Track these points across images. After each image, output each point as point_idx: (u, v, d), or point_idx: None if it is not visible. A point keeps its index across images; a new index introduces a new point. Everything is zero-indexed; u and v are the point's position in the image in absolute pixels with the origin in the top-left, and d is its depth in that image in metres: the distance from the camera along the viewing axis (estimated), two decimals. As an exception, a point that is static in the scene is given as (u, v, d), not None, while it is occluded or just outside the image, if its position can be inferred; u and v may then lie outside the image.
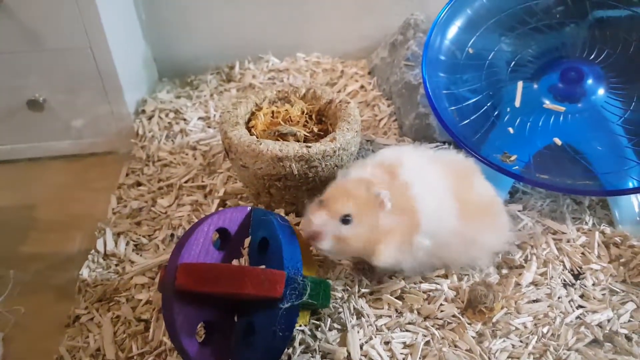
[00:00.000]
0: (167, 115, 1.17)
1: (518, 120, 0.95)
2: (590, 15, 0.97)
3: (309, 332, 0.74)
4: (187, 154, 1.07)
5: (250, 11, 1.28)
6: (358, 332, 0.74)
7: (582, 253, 0.84)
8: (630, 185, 0.85)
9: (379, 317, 0.76)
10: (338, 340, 0.73)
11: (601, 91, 0.93)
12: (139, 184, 1.03)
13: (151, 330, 0.76)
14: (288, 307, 0.63)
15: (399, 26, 1.20)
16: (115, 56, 1.09)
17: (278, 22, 1.30)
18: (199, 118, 1.16)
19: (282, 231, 0.68)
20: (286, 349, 0.71)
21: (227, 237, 0.72)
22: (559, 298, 0.78)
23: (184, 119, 1.16)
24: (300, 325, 0.74)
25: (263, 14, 1.29)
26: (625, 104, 0.92)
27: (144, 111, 1.17)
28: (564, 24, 1.01)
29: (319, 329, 0.74)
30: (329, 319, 0.75)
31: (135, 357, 0.74)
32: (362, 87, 1.23)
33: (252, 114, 0.95)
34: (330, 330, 0.74)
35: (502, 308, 0.76)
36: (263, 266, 0.66)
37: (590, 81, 0.94)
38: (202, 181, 1.01)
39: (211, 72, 1.31)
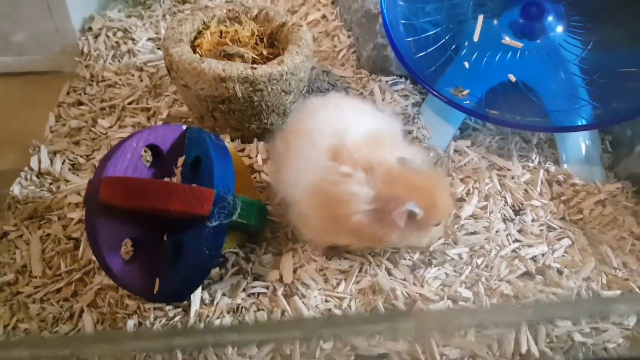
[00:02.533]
0: (114, 34, 1.10)
1: (475, 55, 0.92)
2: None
3: (242, 255, 0.73)
4: (133, 75, 1.02)
5: None
6: (293, 256, 0.73)
7: (525, 190, 0.84)
8: (579, 124, 0.84)
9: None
10: (272, 263, 0.73)
11: (560, 29, 0.91)
12: (80, 103, 0.98)
13: (81, 248, 0.74)
14: (216, 225, 0.62)
15: (365, -47, 1.14)
16: (59, -34, 1.02)
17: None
18: (149, 39, 1.10)
19: (215, 150, 0.66)
20: (218, 270, 0.71)
21: (159, 155, 0.69)
22: (496, 232, 0.78)
23: (133, 39, 1.09)
24: (235, 248, 0.73)
25: None
26: (584, 44, 0.90)
27: (90, 29, 1.10)
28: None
29: (254, 252, 0.74)
30: (265, 243, 0.75)
31: (62, 275, 0.72)
32: (323, 16, 1.18)
33: (199, 32, 0.90)
34: (265, 254, 0.74)
35: None
36: (194, 184, 0.64)
37: (550, 18, 0.91)
38: (147, 103, 0.96)
39: (166, -8, 1.24)
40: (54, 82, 1.03)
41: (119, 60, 1.06)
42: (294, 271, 0.72)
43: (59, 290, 0.72)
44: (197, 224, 0.62)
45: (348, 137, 0.68)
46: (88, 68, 1.04)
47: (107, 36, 1.10)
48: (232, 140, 0.88)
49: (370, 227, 0.65)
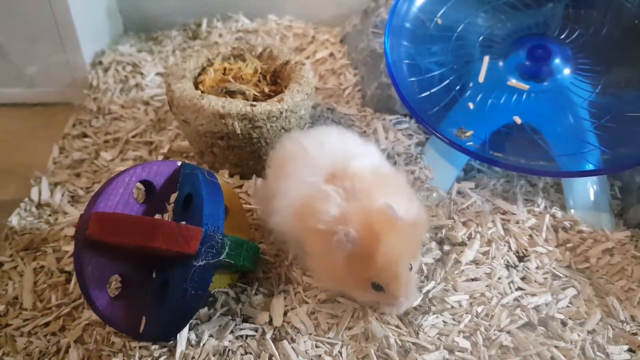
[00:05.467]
0: (124, 68, 1.12)
1: (480, 96, 0.91)
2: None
3: (233, 295, 0.71)
4: (138, 109, 1.03)
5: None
6: (285, 298, 0.71)
7: (530, 235, 0.81)
8: (587, 169, 0.82)
9: (310, 286, 0.73)
10: (262, 305, 0.71)
11: (567, 71, 0.90)
12: (84, 135, 0.99)
13: (72, 282, 0.74)
14: (202, 265, 0.60)
15: (373, -7, 1.16)
16: (72, 3, 1.05)
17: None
18: (157, 74, 1.12)
19: (207, 187, 0.65)
20: (207, 310, 0.69)
21: (151, 191, 0.69)
22: (498, 278, 0.75)
23: (141, 73, 1.11)
24: (226, 287, 0.71)
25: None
26: (592, 87, 0.89)
27: (100, 62, 1.13)
28: (542, 3, 0.96)
29: (245, 293, 0.72)
30: (257, 283, 0.73)
31: (52, 308, 0.72)
32: (331, 54, 1.19)
33: (203, 69, 0.91)
34: (256, 294, 0.72)
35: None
36: (184, 222, 0.63)
37: (557, 60, 0.90)
38: (150, 137, 0.97)
39: (177, 28, 1.26)
40: (61, 114, 1.05)
41: (126, 94, 1.07)
42: (285, 314, 0.69)
43: (47, 324, 0.71)
44: (183, 263, 0.61)
45: (352, 165, 0.67)
46: (96, 101, 1.05)
47: (117, 70, 1.12)
48: (231, 176, 0.88)
49: (321, 243, 0.63)
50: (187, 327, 0.65)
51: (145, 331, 0.63)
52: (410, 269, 0.64)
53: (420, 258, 0.72)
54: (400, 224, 0.62)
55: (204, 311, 0.68)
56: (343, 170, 0.66)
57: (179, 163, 0.71)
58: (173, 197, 0.68)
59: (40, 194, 0.87)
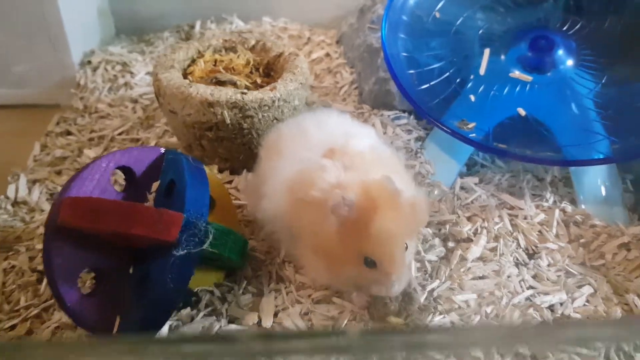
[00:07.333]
0: (113, 67, 1.08)
1: (481, 88, 0.87)
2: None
3: (218, 294, 0.65)
4: (126, 107, 0.99)
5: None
6: (275, 298, 0.66)
7: (539, 231, 0.76)
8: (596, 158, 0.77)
9: (304, 285, 0.68)
10: (251, 305, 0.65)
11: (570, 62, 0.86)
12: (68, 133, 0.95)
13: (44, 283, 0.68)
14: (183, 254, 0.55)
15: (369, -9, 1.13)
16: (62, 3, 1.02)
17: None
18: (147, 73, 1.08)
19: (191, 172, 0.60)
20: (189, 310, 0.63)
21: (132, 178, 0.64)
22: (508, 276, 0.70)
23: (131, 72, 1.07)
24: (211, 286, 0.65)
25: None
26: (596, 78, 0.85)
27: (89, 62, 1.09)
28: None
29: (232, 292, 0.66)
30: (245, 282, 0.67)
31: (20, 310, 0.66)
32: (327, 54, 1.16)
33: (193, 60, 0.87)
34: (244, 294, 0.66)
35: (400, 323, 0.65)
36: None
37: (560, 52, 0.87)
38: (137, 134, 0.92)
39: (170, 30, 1.23)
40: (49, 114, 1.00)
41: (114, 93, 1.03)
42: (275, 314, 0.64)
43: (13, 327, 0.65)
44: (163, 253, 0.55)
45: (350, 143, 0.63)
46: (82, 100, 1.01)
47: (106, 69, 1.08)
48: (221, 171, 0.83)
49: (313, 216, 0.58)
50: (166, 328, 0.59)
51: (119, 332, 0.57)
52: (406, 248, 0.58)
53: (417, 242, 0.68)
54: (400, 199, 0.57)
55: (186, 312, 0.62)
56: (343, 148, 0.62)
57: (162, 150, 0.66)
58: (154, 185, 0.63)
59: (17, 191, 0.82)
